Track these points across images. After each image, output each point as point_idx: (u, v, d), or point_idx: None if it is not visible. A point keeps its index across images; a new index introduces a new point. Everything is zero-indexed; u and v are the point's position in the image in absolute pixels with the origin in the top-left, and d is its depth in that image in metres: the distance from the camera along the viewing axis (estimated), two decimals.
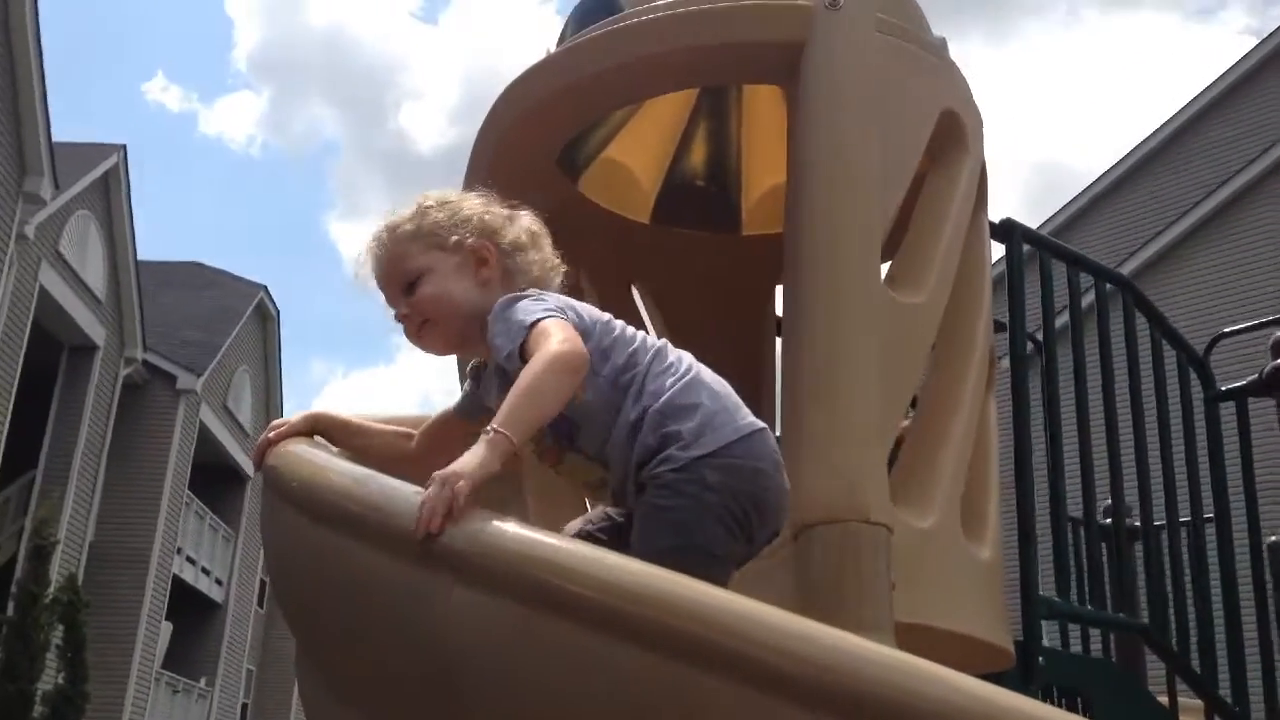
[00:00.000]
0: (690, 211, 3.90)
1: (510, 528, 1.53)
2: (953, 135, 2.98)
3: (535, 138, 3.20)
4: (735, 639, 1.32)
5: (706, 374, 2.05)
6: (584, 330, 1.96)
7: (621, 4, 3.11)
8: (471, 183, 3.26)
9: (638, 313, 3.80)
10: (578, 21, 3.20)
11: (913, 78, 2.90)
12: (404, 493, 1.65)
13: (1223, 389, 3.73)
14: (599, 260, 3.71)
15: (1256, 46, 17.75)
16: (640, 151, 3.77)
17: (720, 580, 1.77)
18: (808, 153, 2.70)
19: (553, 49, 3.34)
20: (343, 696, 1.73)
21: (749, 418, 1.98)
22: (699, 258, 3.86)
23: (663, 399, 1.95)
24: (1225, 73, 17.73)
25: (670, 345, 2.10)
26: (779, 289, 4.02)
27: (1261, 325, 4.42)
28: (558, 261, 2.28)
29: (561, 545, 1.52)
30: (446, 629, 1.51)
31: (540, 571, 1.47)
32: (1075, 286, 3.37)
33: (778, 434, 2.41)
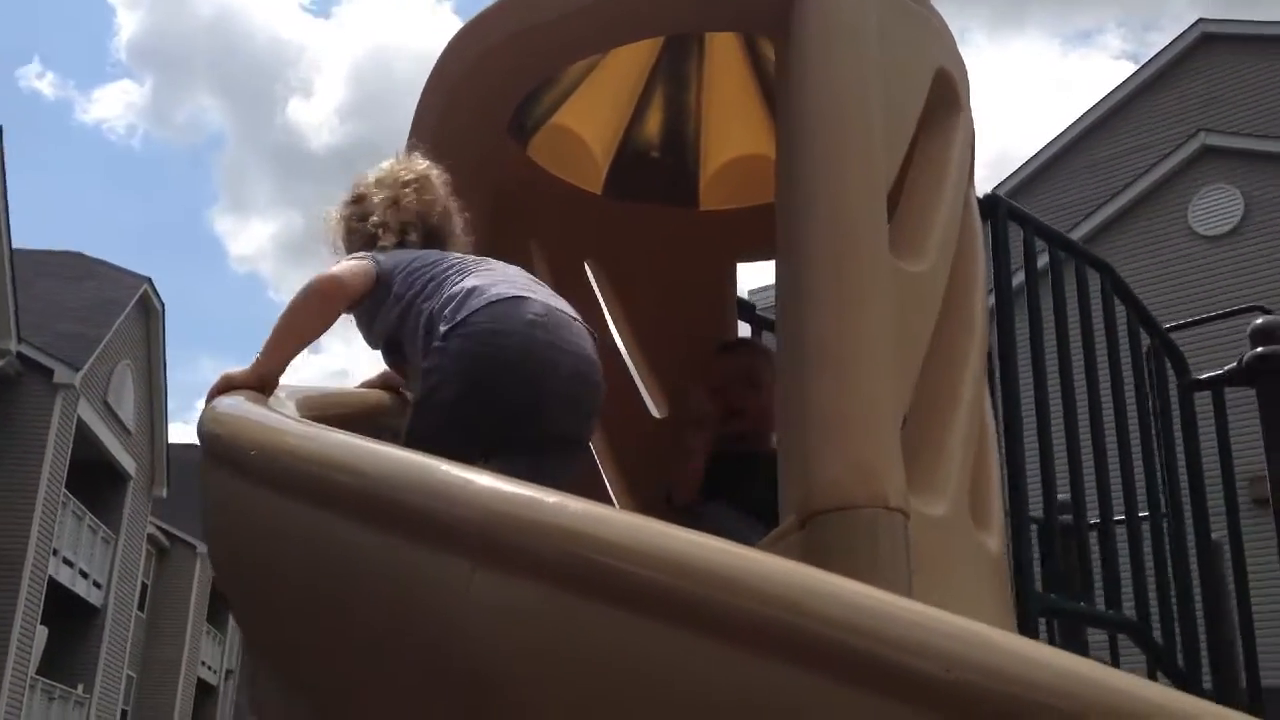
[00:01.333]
0: (644, 184, 3.65)
1: (546, 497, 1.25)
2: (946, 94, 2.78)
3: (489, 89, 2.91)
4: (847, 631, 1.07)
5: (493, 273, 2.25)
6: (383, 271, 2.27)
7: None
8: (415, 144, 2.97)
9: (590, 289, 3.55)
10: None
11: (908, 31, 2.69)
12: (400, 458, 1.37)
13: (1199, 377, 3.61)
14: (550, 233, 3.45)
15: (1136, 72, 18.26)
16: (593, 118, 3.51)
17: (459, 445, 1.83)
18: (804, 109, 2.45)
19: None
20: (320, 709, 1.42)
21: (505, 290, 2.15)
22: (654, 233, 3.61)
23: (440, 299, 2.18)
24: (1106, 96, 18.17)
25: (480, 262, 2.32)
26: (738, 267, 3.82)
27: (1217, 317, 4.35)
28: (407, 207, 2.49)
29: (614, 518, 1.25)
30: (468, 625, 1.23)
31: (589, 551, 1.20)
32: (1058, 267, 3.21)
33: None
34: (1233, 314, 4.55)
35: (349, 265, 2.29)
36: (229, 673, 35.68)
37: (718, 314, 3.63)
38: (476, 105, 2.90)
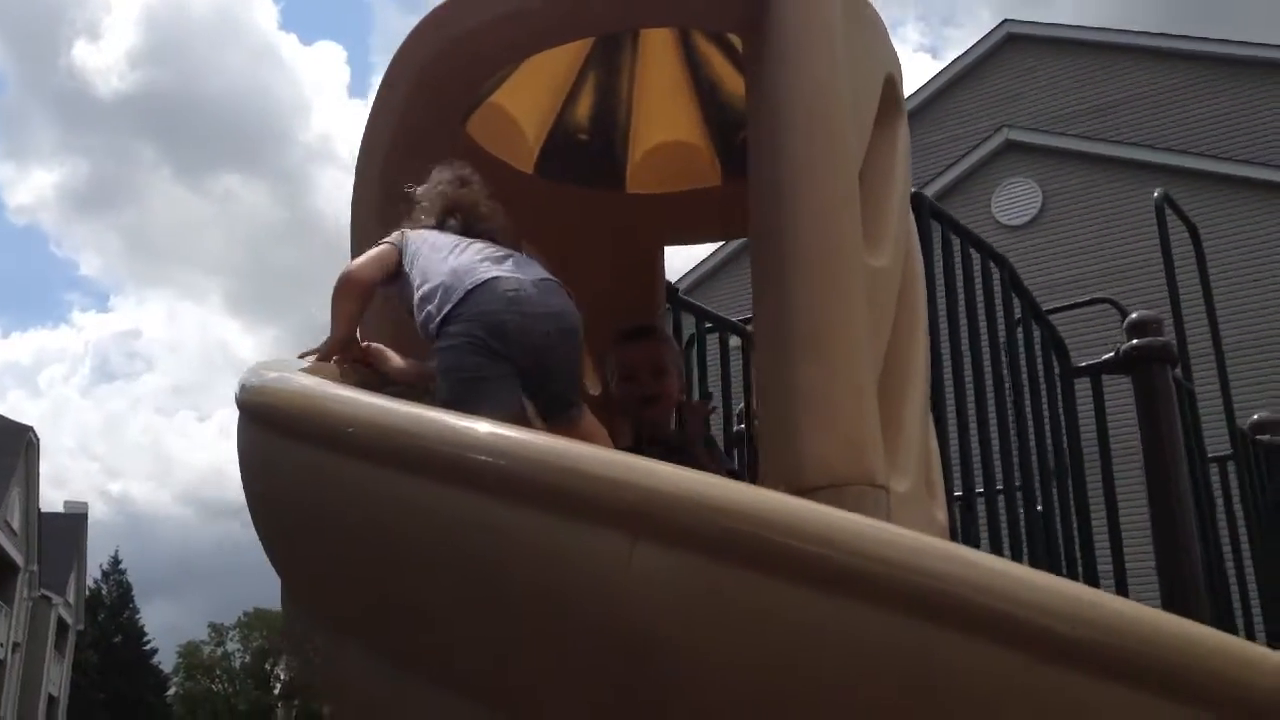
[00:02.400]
0: (573, 166, 3.72)
1: (706, 477, 1.35)
2: (893, 96, 2.96)
3: (459, 72, 2.93)
4: (1012, 603, 1.21)
5: (462, 261, 2.58)
6: (400, 250, 2.68)
7: None
8: (379, 126, 2.98)
9: None
10: None
11: (864, 35, 2.85)
12: (537, 441, 1.43)
13: (1079, 365, 3.94)
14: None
15: (945, 68, 19.20)
16: (527, 100, 3.55)
17: (495, 392, 2.35)
18: (783, 103, 2.59)
19: None
20: (455, 685, 1.47)
21: (470, 278, 2.50)
22: (585, 216, 3.69)
23: (424, 289, 2.55)
24: (916, 90, 19.03)
25: (447, 248, 2.64)
26: (666, 250, 3.93)
27: (1074, 306, 4.72)
28: (434, 195, 2.83)
29: (766, 494, 1.35)
30: (629, 599, 1.31)
31: (754, 526, 1.30)
32: (968, 263, 3.45)
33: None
34: (1086, 304, 4.94)
35: (368, 254, 2.72)
36: (15, 646, 33.71)
37: (647, 296, 3.74)
38: (447, 87, 2.92)
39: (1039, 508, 3.60)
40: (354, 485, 1.57)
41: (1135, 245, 15.05)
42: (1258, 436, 4.66)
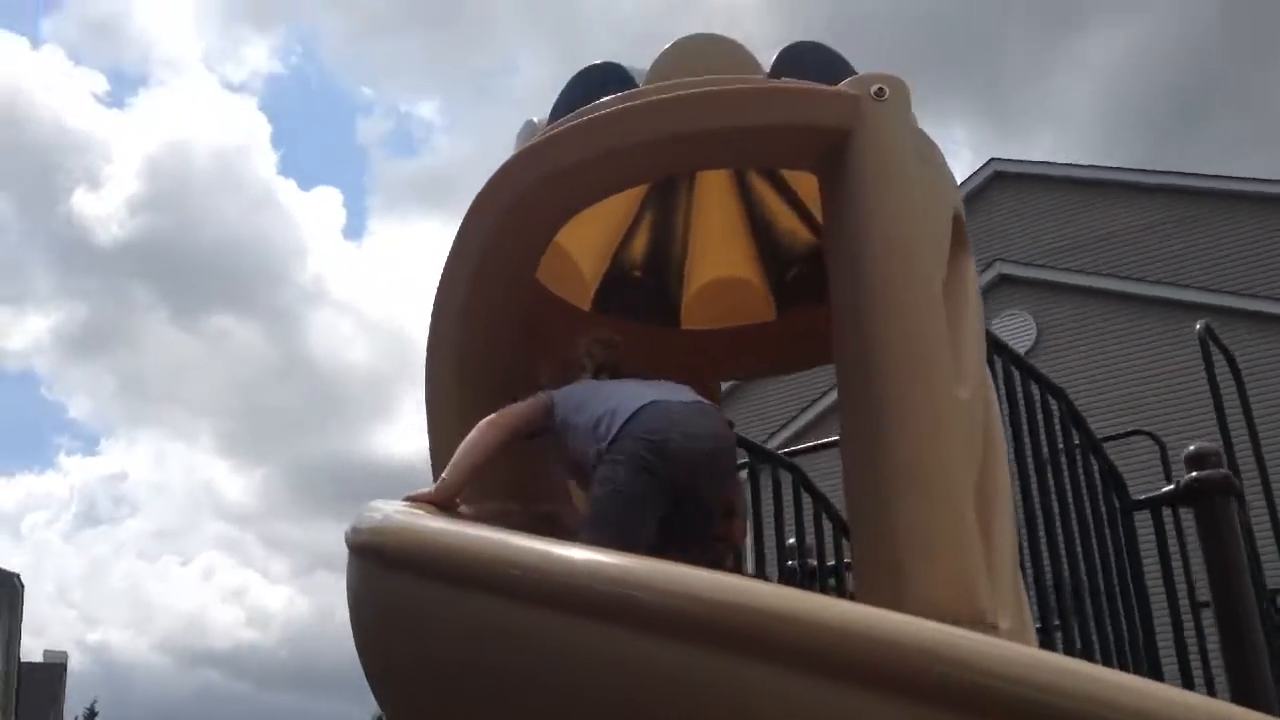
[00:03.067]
0: (628, 302, 3.74)
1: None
2: (960, 232, 3.00)
3: (535, 217, 2.97)
4: None
5: (623, 391, 2.78)
6: (551, 404, 2.86)
7: (634, 78, 2.97)
8: (460, 265, 3.00)
9: None
10: (579, 94, 3.01)
11: (935, 173, 2.91)
12: (743, 584, 1.39)
13: (1138, 498, 3.93)
14: (552, 351, 3.48)
15: None
16: (586, 238, 3.59)
17: (645, 519, 2.55)
18: (869, 241, 2.61)
19: (538, 121, 3.14)
20: None
21: (636, 402, 2.67)
22: (642, 350, 3.68)
23: (590, 421, 2.73)
24: None
25: (608, 387, 2.88)
26: (723, 384, 3.93)
27: (1115, 437, 4.72)
28: (576, 356, 3.09)
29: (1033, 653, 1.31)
30: None
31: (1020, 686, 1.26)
32: (1029, 395, 3.46)
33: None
34: (1121, 436, 4.94)
35: (513, 409, 2.87)
36: None
37: None
38: (524, 230, 2.95)
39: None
40: (536, 636, 1.51)
41: (1132, 375, 15.19)
42: None
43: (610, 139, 2.83)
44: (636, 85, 2.94)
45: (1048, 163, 18.37)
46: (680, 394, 2.77)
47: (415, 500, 2.38)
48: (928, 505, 2.35)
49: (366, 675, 2.02)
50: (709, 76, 2.84)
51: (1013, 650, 1.29)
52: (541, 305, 3.44)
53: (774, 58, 2.94)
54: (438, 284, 3.06)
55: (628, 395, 2.73)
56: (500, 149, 3.15)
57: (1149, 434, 4.82)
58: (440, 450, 3.02)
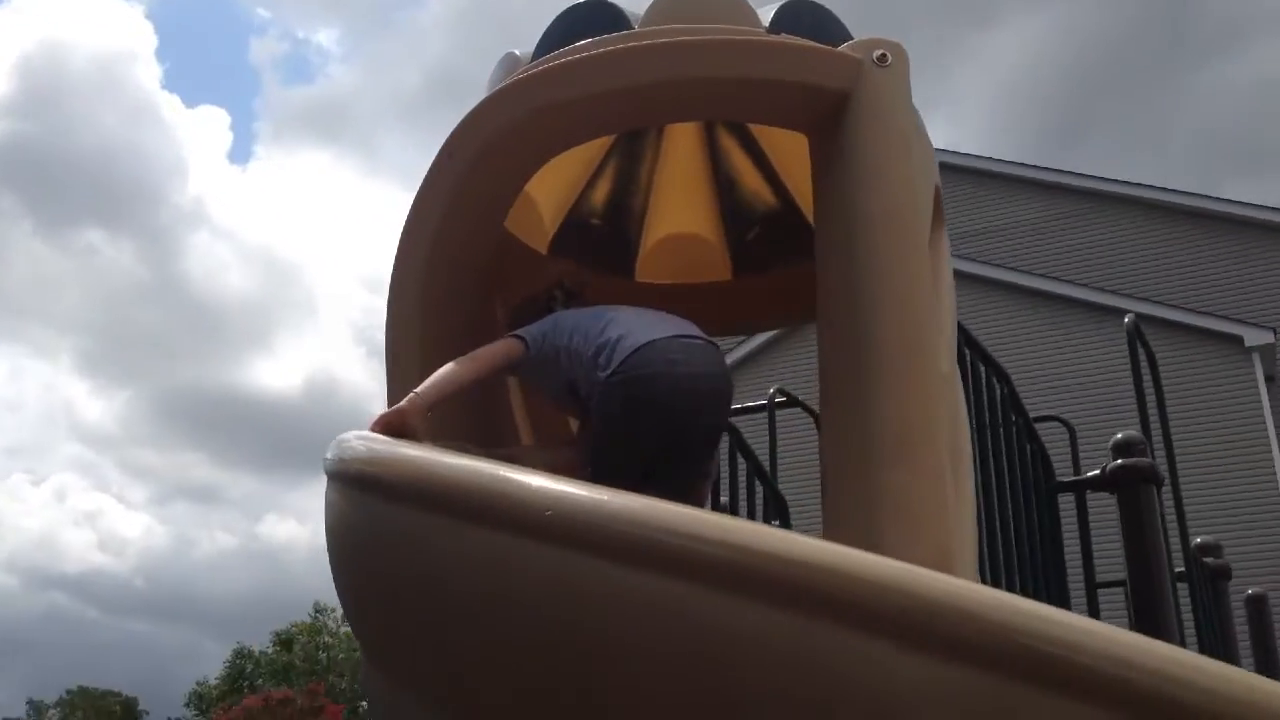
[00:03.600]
0: (585, 249, 3.67)
1: (966, 586, 1.29)
2: (939, 206, 3.00)
3: (515, 156, 2.86)
4: None
5: (627, 321, 2.72)
6: (525, 344, 2.75)
7: (629, 20, 2.88)
8: (433, 194, 2.89)
9: None
10: (569, 30, 2.91)
11: (924, 144, 2.91)
12: (761, 530, 1.36)
13: (1064, 480, 4.03)
14: (510, 292, 3.40)
15: None
16: (549, 183, 3.50)
17: (632, 452, 2.56)
18: (866, 209, 2.59)
19: (521, 55, 3.03)
20: None
21: (642, 335, 2.61)
22: (597, 298, 3.63)
23: (592, 348, 2.67)
24: None
25: (609, 314, 2.80)
26: None
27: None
28: (545, 291, 3.08)
29: (1041, 607, 1.30)
30: (899, 705, 1.24)
31: (1030, 639, 1.25)
32: (977, 374, 3.50)
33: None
34: (1040, 420, 5.05)
35: (492, 347, 2.77)
36: None
37: None
38: (506, 165, 2.85)
39: None
40: (554, 575, 1.45)
41: (1014, 367, 15.62)
42: (1204, 559, 4.82)
43: (609, 80, 2.74)
44: (630, 26, 2.86)
45: (944, 150, 18.67)
46: (685, 328, 2.73)
47: (389, 414, 2.34)
48: (914, 477, 2.35)
49: (352, 606, 1.94)
50: (709, 25, 2.78)
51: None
52: (500, 246, 3.34)
53: (773, 12, 2.89)
54: (405, 221, 2.94)
55: (632, 326, 2.67)
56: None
57: (1062, 420, 4.95)
58: (397, 393, 2.92)
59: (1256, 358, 14.30)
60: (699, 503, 3.06)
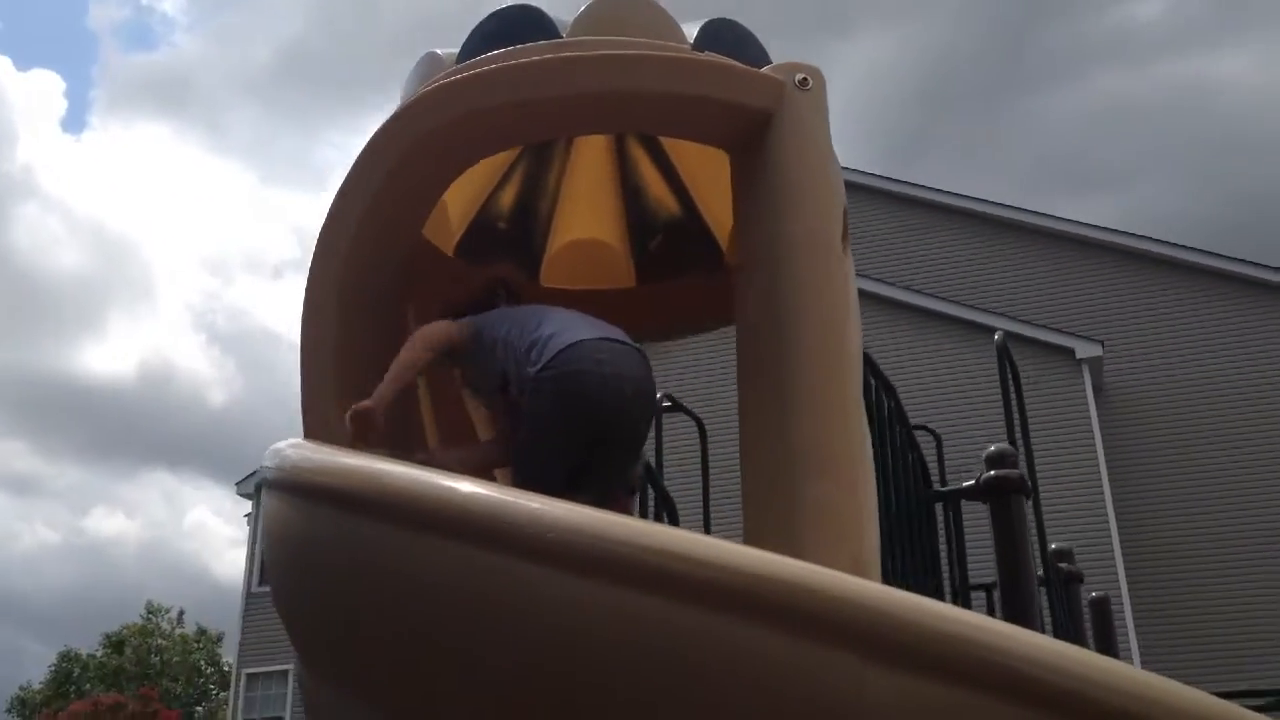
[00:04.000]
0: (490, 252, 3.67)
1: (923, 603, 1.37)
2: (847, 226, 3.11)
3: (445, 156, 2.86)
4: None
5: (559, 320, 2.84)
6: (476, 328, 2.93)
7: (558, 28, 2.91)
8: (354, 197, 2.86)
9: None
10: (496, 35, 2.91)
11: (836, 167, 3.01)
12: (739, 549, 1.41)
13: (940, 490, 4.21)
14: (422, 297, 3.39)
15: None
16: (459, 184, 3.49)
17: (555, 455, 2.69)
18: (788, 229, 2.67)
19: (444, 55, 3.02)
20: None
21: (572, 335, 2.73)
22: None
23: (525, 343, 2.79)
24: None
25: (543, 312, 2.94)
26: None
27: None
28: (483, 289, 3.22)
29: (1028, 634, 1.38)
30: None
31: (993, 655, 1.33)
32: (868, 389, 3.63)
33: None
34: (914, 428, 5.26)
35: (438, 324, 2.96)
36: None
37: None
38: (424, 171, 2.84)
39: None
40: (543, 590, 1.48)
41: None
42: (1059, 564, 5.10)
43: (539, 88, 2.75)
44: (559, 34, 2.88)
45: None
46: (613, 333, 2.83)
47: (359, 410, 2.58)
48: (835, 490, 2.44)
49: (299, 617, 1.92)
50: (638, 39, 2.82)
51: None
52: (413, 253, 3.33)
53: (697, 30, 2.95)
54: (324, 218, 2.90)
55: (563, 325, 2.78)
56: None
57: (930, 430, 5.16)
58: (312, 389, 2.89)
59: (1086, 369, 15.07)
60: (626, 514, 3.11)
